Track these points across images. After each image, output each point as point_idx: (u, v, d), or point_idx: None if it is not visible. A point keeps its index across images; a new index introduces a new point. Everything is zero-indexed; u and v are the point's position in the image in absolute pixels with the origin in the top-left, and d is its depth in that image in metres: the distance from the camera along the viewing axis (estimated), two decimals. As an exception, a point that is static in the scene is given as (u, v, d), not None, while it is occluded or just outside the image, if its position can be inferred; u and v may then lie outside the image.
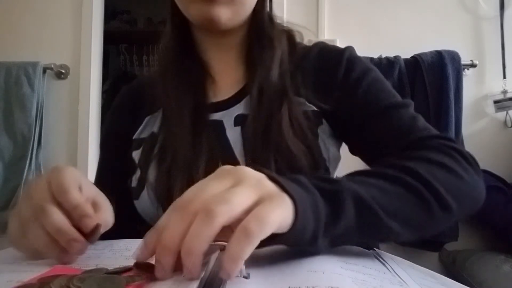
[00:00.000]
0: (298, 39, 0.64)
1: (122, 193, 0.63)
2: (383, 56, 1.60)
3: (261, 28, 0.60)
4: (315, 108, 0.56)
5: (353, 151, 0.59)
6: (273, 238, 0.28)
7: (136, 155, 0.62)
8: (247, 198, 0.28)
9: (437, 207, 0.39)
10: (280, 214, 0.28)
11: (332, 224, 0.33)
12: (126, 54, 2.74)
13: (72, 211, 0.35)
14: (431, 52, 1.58)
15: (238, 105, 0.58)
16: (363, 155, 0.58)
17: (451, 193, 0.40)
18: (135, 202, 0.59)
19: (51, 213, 0.35)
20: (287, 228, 0.29)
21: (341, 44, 0.73)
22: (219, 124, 0.57)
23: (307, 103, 0.56)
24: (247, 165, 0.52)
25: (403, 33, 1.68)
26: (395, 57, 1.59)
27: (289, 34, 0.63)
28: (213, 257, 0.33)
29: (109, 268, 0.32)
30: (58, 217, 0.35)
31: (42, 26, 1.75)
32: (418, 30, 1.67)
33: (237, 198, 0.28)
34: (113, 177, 0.65)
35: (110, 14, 2.48)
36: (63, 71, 1.73)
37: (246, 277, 0.29)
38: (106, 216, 0.39)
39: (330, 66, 0.58)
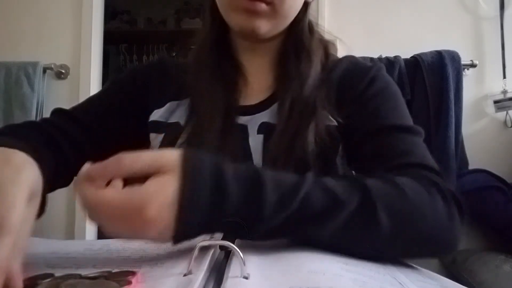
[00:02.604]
0: (331, 51, 0.63)
1: (104, 133, 0.60)
2: (383, 56, 1.60)
3: (300, 38, 0.59)
4: (336, 123, 0.55)
5: (349, 164, 0.58)
6: None
7: (155, 139, 0.59)
8: None
9: (359, 216, 0.37)
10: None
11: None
12: (126, 54, 2.74)
13: None
14: (431, 52, 1.58)
15: (264, 112, 0.58)
16: (356, 169, 0.57)
17: (389, 212, 0.37)
18: None
19: None
20: None
21: (341, 44, 0.73)
22: (244, 129, 0.57)
23: (330, 117, 0.56)
24: None
25: (403, 33, 1.68)
26: (395, 57, 1.59)
27: (326, 46, 0.62)
28: (212, 257, 0.33)
29: (112, 271, 0.32)
30: None
31: (42, 26, 1.75)
32: (418, 30, 1.67)
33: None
34: (101, 111, 0.62)
35: (110, 14, 2.48)
36: (63, 71, 1.73)
37: (246, 277, 0.29)
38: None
39: (353, 81, 0.57)
